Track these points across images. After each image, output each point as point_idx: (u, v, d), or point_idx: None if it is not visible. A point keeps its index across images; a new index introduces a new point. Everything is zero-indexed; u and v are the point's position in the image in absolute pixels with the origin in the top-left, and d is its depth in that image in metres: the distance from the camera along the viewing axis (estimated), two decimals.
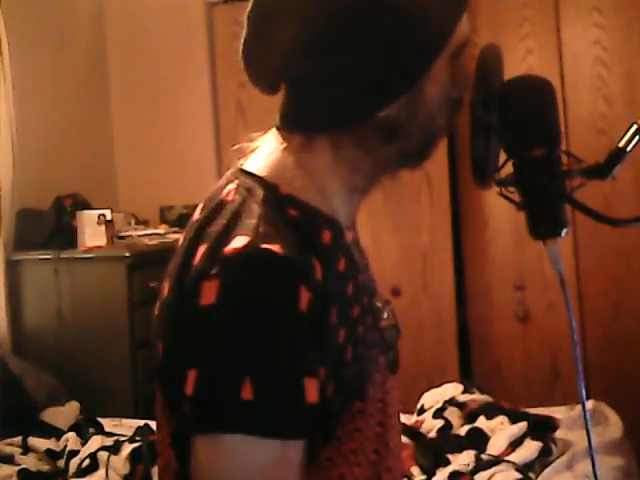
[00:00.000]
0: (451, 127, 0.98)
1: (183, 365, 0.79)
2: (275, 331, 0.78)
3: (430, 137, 0.95)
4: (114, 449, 2.49)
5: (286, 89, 0.93)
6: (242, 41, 0.93)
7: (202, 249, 0.84)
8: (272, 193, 0.88)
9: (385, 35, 0.85)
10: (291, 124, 0.93)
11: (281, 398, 0.78)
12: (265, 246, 0.79)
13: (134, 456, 2.42)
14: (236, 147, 0.98)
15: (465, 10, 0.90)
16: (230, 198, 0.89)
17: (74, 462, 2.48)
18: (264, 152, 0.94)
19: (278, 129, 0.95)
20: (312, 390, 0.79)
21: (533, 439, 2.28)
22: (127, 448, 2.48)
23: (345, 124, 0.90)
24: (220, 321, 0.78)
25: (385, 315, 1.00)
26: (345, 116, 0.89)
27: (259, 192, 0.88)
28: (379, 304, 0.99)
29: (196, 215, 0.93)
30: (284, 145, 0.93)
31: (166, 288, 0.89)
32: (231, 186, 0.91)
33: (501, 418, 2.43)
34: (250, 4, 0.92)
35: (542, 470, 2.18)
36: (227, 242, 0.81)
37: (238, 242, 0.80)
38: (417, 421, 2.64)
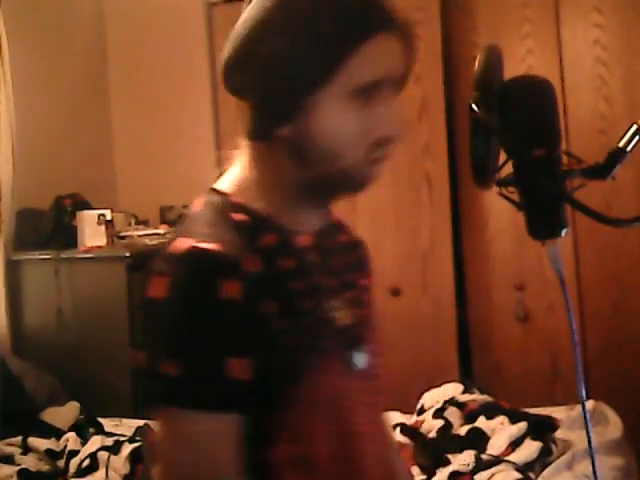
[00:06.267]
0: (376, 168, 1.01)
1: (139, 348, 0.96)
2: (200, 317, 0.92)
3: (345, 170, 0.99)
4: (114, 449, 2.49)
5: None
6: None
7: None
8: (223, 202, 1.03)
9: (272, 70, 0.97)
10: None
11: (204, 375, 0.91)
12: (199, 245, 0.93)
13: (134, 456, 2.43)
14: (221, 156, 1.11)
15: (349, 53, 0.94)
16: (193, 211, 1.05)
17: (74, 462, 2.48)
18: (232, 168, 1.08)
19: None
20: (239, 368, 0.92)
21: (533, 439, 2.28)
22: (127, 448, 2.48)
23: (255, 138, 1.02)
24: (158, 309, 0.94)
25: (340, 314, 1.07)
26: (256, 131, 1.01)
27: (214, 202, 1.04)
28: (335, 304, 1.06)
29: None
30: (243, 159, 1.06)
31: None
32: (198, 201, 1.06)
33: (501, 418, 2.43)
34: None
35: (542, 470, 2.18)
36: (176, 243, 0.96)
37: (180, 242, 0.95)
38: (417, 421, 2.64)
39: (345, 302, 1.09)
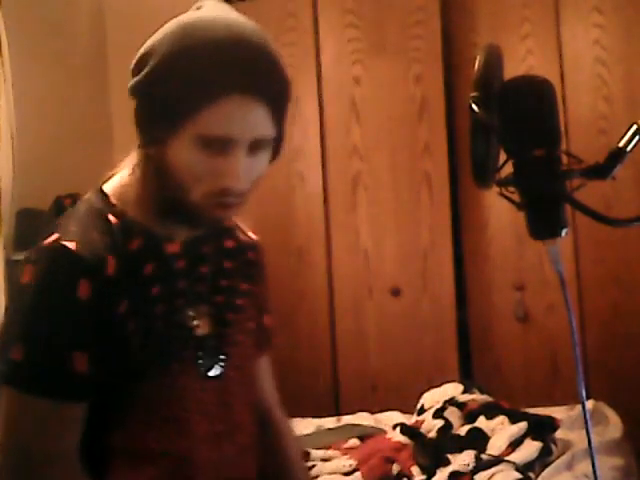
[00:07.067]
0: (222, 213, 1.06)
1: None
2: (49, 309, 1.00)
3: (190, 204, 1.04)
4: None
5: None
6: None
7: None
8: (101, 202, 1.09)
9: (140, 96, 1.11)
10: None
11: (46, 364, 0.98)
12: (60, 242, 1.01)
13: None
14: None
15: (196, 108, 1.01)
16: (75, 207, 1.12)
17: None
18: (124, 170, 1.14)
19: None
20: (81, 362, 0.99)
21: (533, 439, 2.28)
22: None
23: (137, 146, 1.12)
24: (18, 295, 1.05)
25: (200, 322, 1.10)
26: (138, 140, 1.12)
27: (92, 201, 1.10)
28: (191, 313, 1.10)
29: None
30: (133, 165, 1.12)
31: None
32: (83, 198, 1.13)
33: (501, 418, 2.43)
34: None
35: (542, 470, 2.18)
36: (47, 236, 1.03)
37: (50, 236, 1.03)
38: (417, 421, 2.64)
39: (211, 309, 1.12)
